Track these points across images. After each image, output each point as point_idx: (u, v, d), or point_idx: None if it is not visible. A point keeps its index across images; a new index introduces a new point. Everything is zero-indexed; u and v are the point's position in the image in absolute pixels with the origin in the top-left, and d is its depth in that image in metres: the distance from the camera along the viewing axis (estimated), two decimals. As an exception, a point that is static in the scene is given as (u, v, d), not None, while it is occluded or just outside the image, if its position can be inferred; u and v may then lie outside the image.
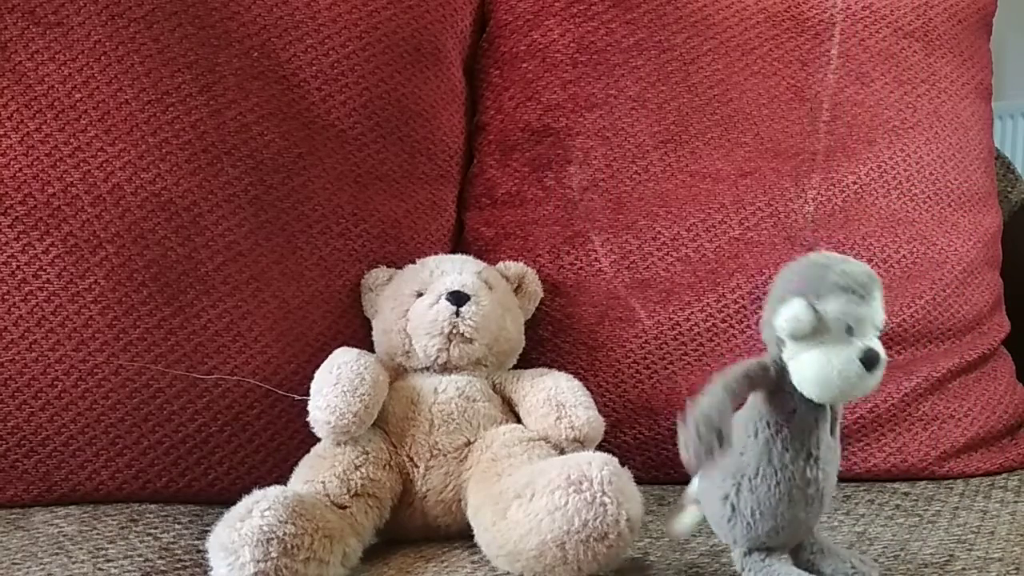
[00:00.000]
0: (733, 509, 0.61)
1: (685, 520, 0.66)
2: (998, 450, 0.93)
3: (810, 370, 0.57)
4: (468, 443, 0.77)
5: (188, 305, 0.83)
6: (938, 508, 0.81)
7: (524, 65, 0.97)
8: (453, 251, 0.95)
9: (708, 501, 0.63)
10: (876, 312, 0.58)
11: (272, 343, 0.85)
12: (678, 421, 0.56)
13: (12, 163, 0.81)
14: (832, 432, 0.61)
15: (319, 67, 0.89)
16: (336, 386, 0.74)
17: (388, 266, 0.89)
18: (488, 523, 0.68)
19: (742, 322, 0.91)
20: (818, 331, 0.57)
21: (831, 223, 0.93)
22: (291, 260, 0.87)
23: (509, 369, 0.85)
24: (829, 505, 0.62)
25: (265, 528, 0.62)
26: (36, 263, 0.80)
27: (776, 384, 0.59)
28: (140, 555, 0.71)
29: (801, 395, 0.58)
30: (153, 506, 0.82)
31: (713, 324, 0.91)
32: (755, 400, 0.60)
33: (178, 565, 0.70)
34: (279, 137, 0.87)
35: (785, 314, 0.57)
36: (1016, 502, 0.82)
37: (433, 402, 0.78)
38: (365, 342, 0.85)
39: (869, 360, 0.56)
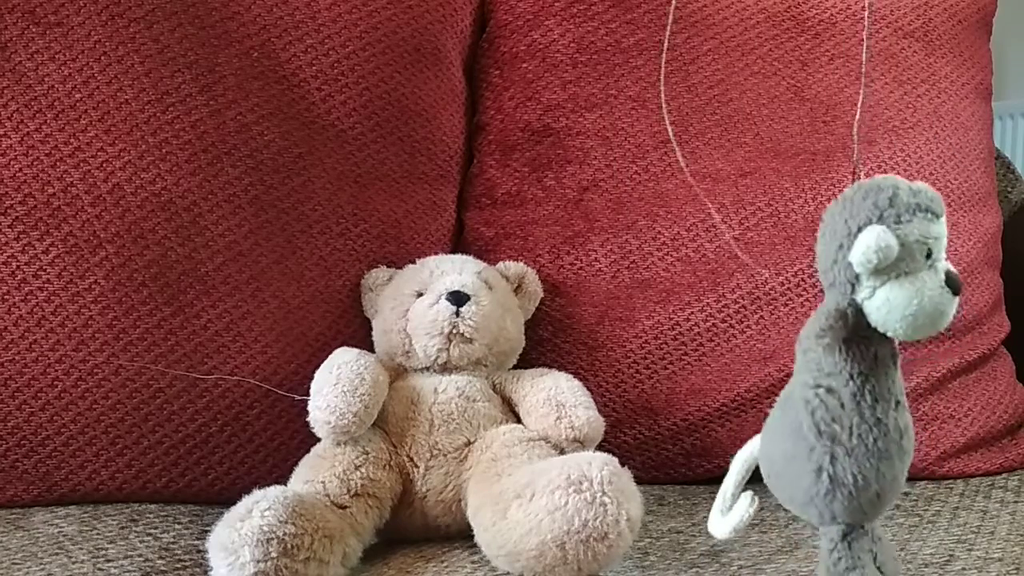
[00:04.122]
0: (831, 480, 0.54)
1: (733, 518, 0.59)
2: (998, 450, 0.93)
3: (898, 305, 0.51)
4: (468, 443, 0.77)
5: (188, 305, 0.83)
6: (938, 508, 0.81)
7: (524, 65, 0.97)
8: (453, 251, 0.95)
9: (790, 481, 0.56)
10: (946, 233, 0.52)
11: (272, 343, 0.85)
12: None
13: (12, 163, 0.81)
14: None
15: (319, 67, 0.89)
16: (336, 386, 0.74)
17: (388, 266, 0.89)
18: (488, 523, 0.68)
19: (742, 322, 0.91)
20: (901, 260, 0.51)
21: (831, 223, 0.93)
22: (291, 260, 0.87)
23: (509, 369, 0.85)
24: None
25: (265, 528, 0.62)
26: (36, 263, 0.80)
27: (852, 330, 0.53)
28: (140, 555, 0.71)
29: (879, 336, 0.52)
30: (153, 506, 0.82)
31: (713, 324, 0.91)
32: (815, 359, 0.54)
33: (178, 565, 0.70)
34: (279, 137, 0.87)
35: (864, 245, 0.51)
36: (1016, 502, 0.82)
37: (433, 402, 0.78)
38: (365, 342, 0.85)
39: (954, 284, 0.51)
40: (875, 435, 0.53)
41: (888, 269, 0.51)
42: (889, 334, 0.52)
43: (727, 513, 0.60)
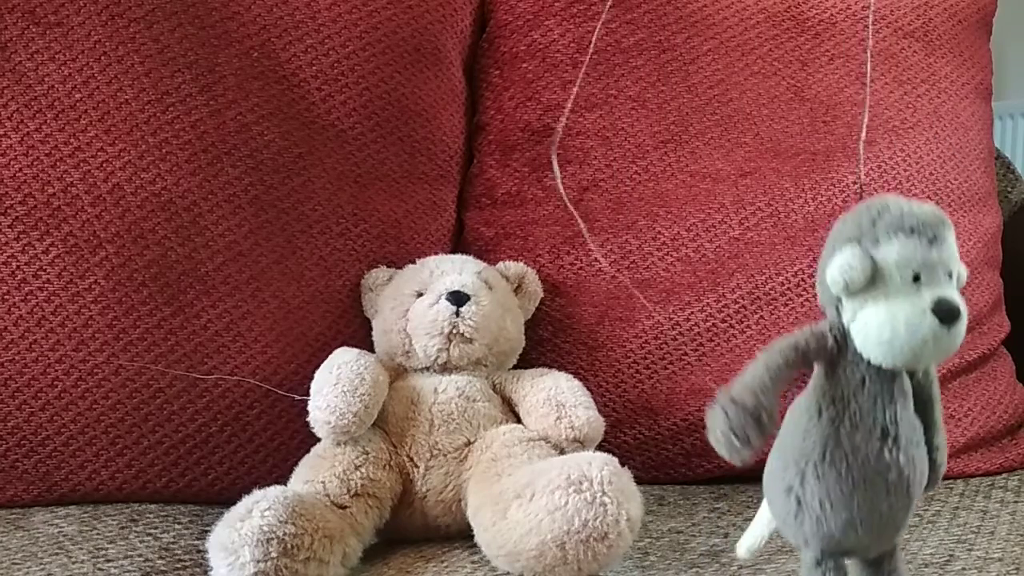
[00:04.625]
0: (799, 503, 0.52)
1: (752, 535, 0.58)
2: (998, 450, 0.93)
3: (873, 328, 0.49)
4: (468, 443, 0.77)
5: (188, 305, 0.83)
6: (938, 508, 0.81)
7: (524, 65, 0.97)
8: (453, 251, 0.95)
9: (771, 498, 0.55)
10: (949, 258, 0.49)
11: (272, 343, 0.85)
12: (708, 409, 0.50)
13: (12, 163, 0.81)
14: (928, 408, 0.52)
15: (319, 67, 0.89)
16: (336, 386, 0.74)
17: (388, 266, 0.89)
18: (488, 523, 0.68)
19: (742, 322, 0.91)
20: (878, 282, 0.49)
21: (831, 223, 0.93)
22: (291, 260, 0.87)
23: (509, 369, 0.85)
24: (919, 498, 0.53)
25: (265, 528, 0.62)
26: (36, 263, 0.80)
27: (839, 353, 0.51)
28: (140, 555, 0.71)
29: (869, 363, 0.50)
30: (153, 506, 0.82)
31: (713, 324, 0.91)
32: (817, 375, 0.52)
33: (178, 565, 0.70)
34: (279, 137, 0.87)
35: (836, 265, 0.49)
36: (1016, 502, 0.82)
37: (433, 402, 0.78)
38: (365, 342, 0.85)
39: (943, 311, 0.47)
40: (849, 463, 0.50)
41: (867, 291, 0.49)
42: (872, 360, 0.50)
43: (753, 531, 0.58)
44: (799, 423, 0.51)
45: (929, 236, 0.49)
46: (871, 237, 0.50)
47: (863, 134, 0.56)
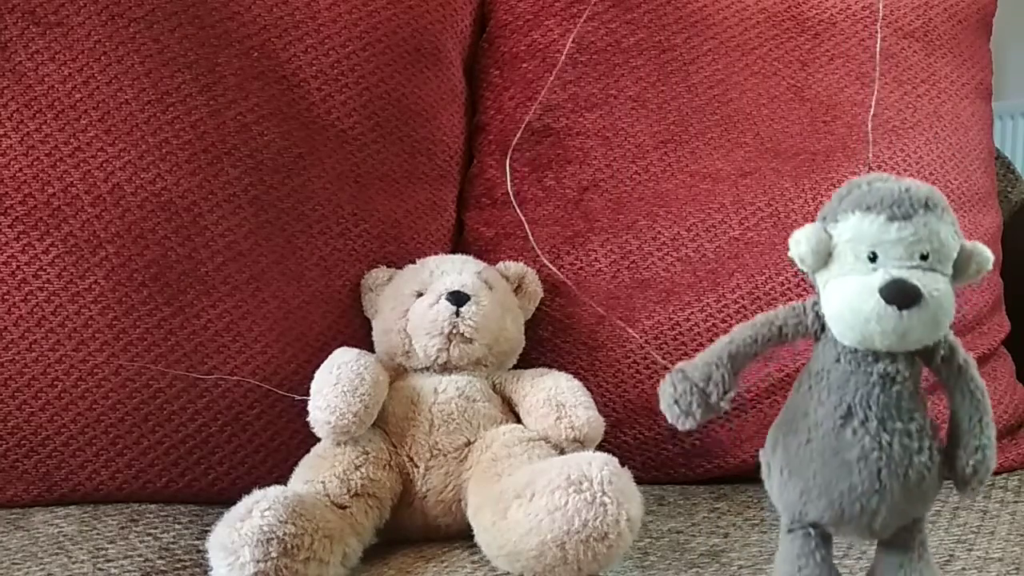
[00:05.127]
0: (768, 468, 0.53)
1: None
2: (998, 450, 0.92)
3: (827, 305, 0.48)
4: (468, 443, 0.77)
5: (188, 305, 0.83)
6: (938, 508, 0.81)
7: (524, 65, 0.97)
8: (453, 251, 0.95)
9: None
10: (921, 239, 0.46)
11: (272, 343, 0.85)
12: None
13: (12, 163, 0.81)
14: (911, 398, 0.50)
15: (319, 67, 0.89)
16: (336, 386, 0.74)
17: (388, 266, 0.89)
18: (488, 523, 0.68)
19: (742, 322, 0.90)
20: (835, 259, 0.48)
21: (831, 223, 0.93)
22: (291, 260, 0.87)
23: (509, 369, 0.85)
24: (915, 493, 0.51)
25: (265, 528, 0.62)
26: (36, 263, 0.80)
27: (822, 330, 0.50)
28: (140, 555, 0.71)
29: (844, 343, 0.49)
30: (153, 506, 0.82)
31: (713, 324, 0.91)
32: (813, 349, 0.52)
33: (178, 565, 0.70)
34: (279, 137, 0.87)
35: (791, 239, 0.49)
36: (1016, 502, 0.82)
37: (433, 402, 0.78)
38: (365, 342, 0.85)
39: (891, 293, 0.45)
40: (810, 436, 0.50)
41: (827, 268, 0.48)
42: (838, 338, 0.49)
43: None
44: (791, 394, 0.52)
45: (891, 214, 0.47)
46: (832, 214, 0.49)
47: (871, 113, 0.56)
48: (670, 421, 0.51)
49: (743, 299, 0.91)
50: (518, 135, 0.94)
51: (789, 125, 0.96)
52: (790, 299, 0.90)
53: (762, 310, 0.93)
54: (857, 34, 1.00)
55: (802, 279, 0.91)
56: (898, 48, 1.00)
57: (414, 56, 0.94)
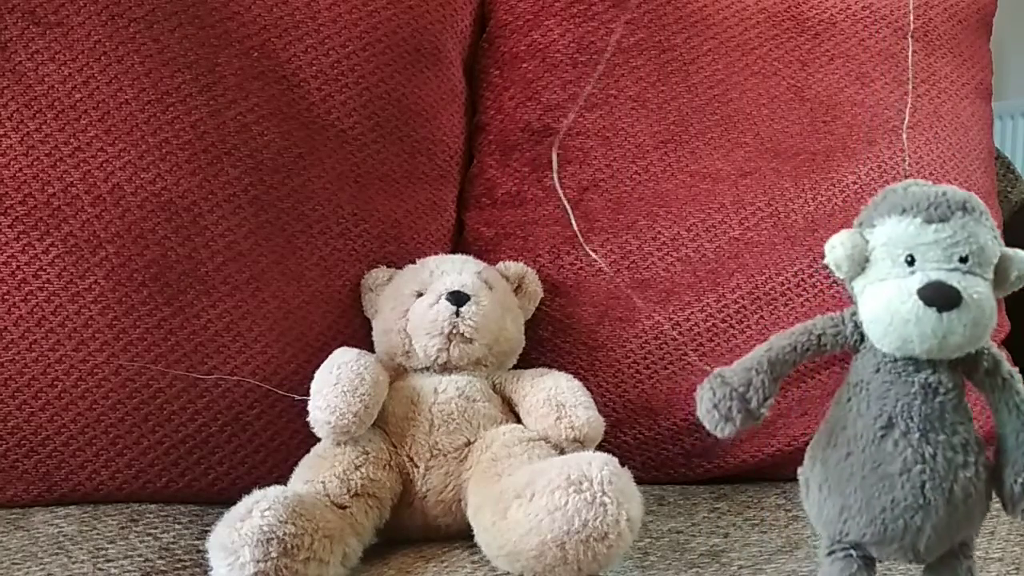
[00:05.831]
0: (807, 486, 0.51)
1: None
2: (998, 450, 0.93)
3: (865, 311, 0.47)
4: (468, 443, 0.77)
5: (188, 305, 0.83)
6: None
7: (524, 65, 0.97)
8: (453, 251, 0.95)
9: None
10: (957, 240, 0.46)
11: (272, 343, 0.85)
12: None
13: (12, 163, 0.81)
14: (954, 409, 0.48)
15: (319, 67, 0.89)
16: (336, 386, 0.74)
17: (388, 266, 0.89)
18: (488, 523, 0.68)
19: (742, 322, 0.91)
20: (872, 265, 0.46)
21: (831, 223, 0.93)
22: (291, 260, 0.87)
23: (509, 369, 0.85)
24: (961, 511, 0.49)
25: (265, 528, 0.62)
26: (36, 263, 0.80)
27: (861, 340, 0.49)
28: (140, 555, 0.71)
29: (885, 351, 0.48)
30: (153, 506, 0.82)
31: (713, 324, 0.91)
32: (853, 360, 0.51)
33: (178, 565, 0.70)
34: (279, 137, 0.87)
35: (826, 246, 0.48)
36: (1016, 502, 0.82)
37: (433, 402, 0.78)
38: (365, 342, 0.85)
39: (929, 295, 0.44)
40: (849, 449, 0.48)
41: (867, 275, 0.47)
42: (876, 345, 0.48)
43: None
44: (831, 408, 0.50)
45: (927, 216, 0.46)
46: (868, 219, 0.48)
47: (906, 117, 0.55)
48: (708, 428, 0.50)
49: (743, 299, 0.91)
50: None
51: (789, 125, 0.96)
52: (790, 299, 0.91)
53: (762, 310, 0.94)
54: (857, 34, 1.00)
55: (802, 279, 0.91)
56: (898, 48, 1.00)
57: (414, 56, 0.94)
